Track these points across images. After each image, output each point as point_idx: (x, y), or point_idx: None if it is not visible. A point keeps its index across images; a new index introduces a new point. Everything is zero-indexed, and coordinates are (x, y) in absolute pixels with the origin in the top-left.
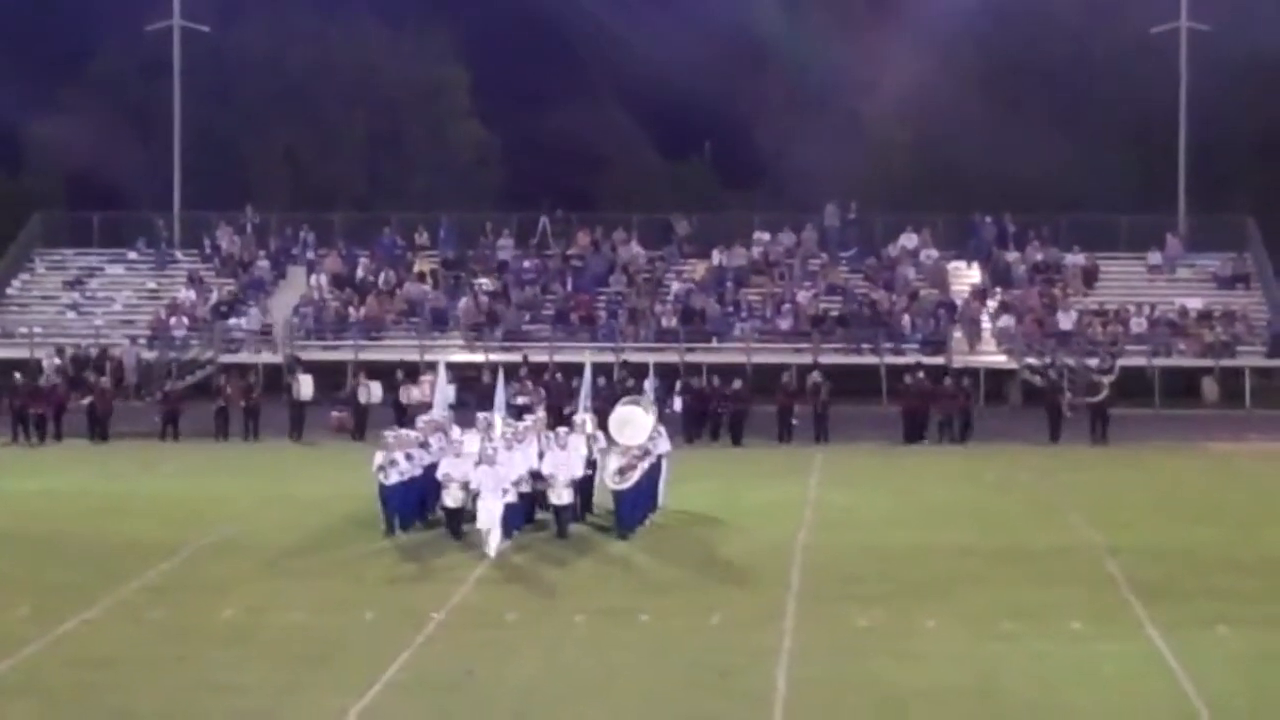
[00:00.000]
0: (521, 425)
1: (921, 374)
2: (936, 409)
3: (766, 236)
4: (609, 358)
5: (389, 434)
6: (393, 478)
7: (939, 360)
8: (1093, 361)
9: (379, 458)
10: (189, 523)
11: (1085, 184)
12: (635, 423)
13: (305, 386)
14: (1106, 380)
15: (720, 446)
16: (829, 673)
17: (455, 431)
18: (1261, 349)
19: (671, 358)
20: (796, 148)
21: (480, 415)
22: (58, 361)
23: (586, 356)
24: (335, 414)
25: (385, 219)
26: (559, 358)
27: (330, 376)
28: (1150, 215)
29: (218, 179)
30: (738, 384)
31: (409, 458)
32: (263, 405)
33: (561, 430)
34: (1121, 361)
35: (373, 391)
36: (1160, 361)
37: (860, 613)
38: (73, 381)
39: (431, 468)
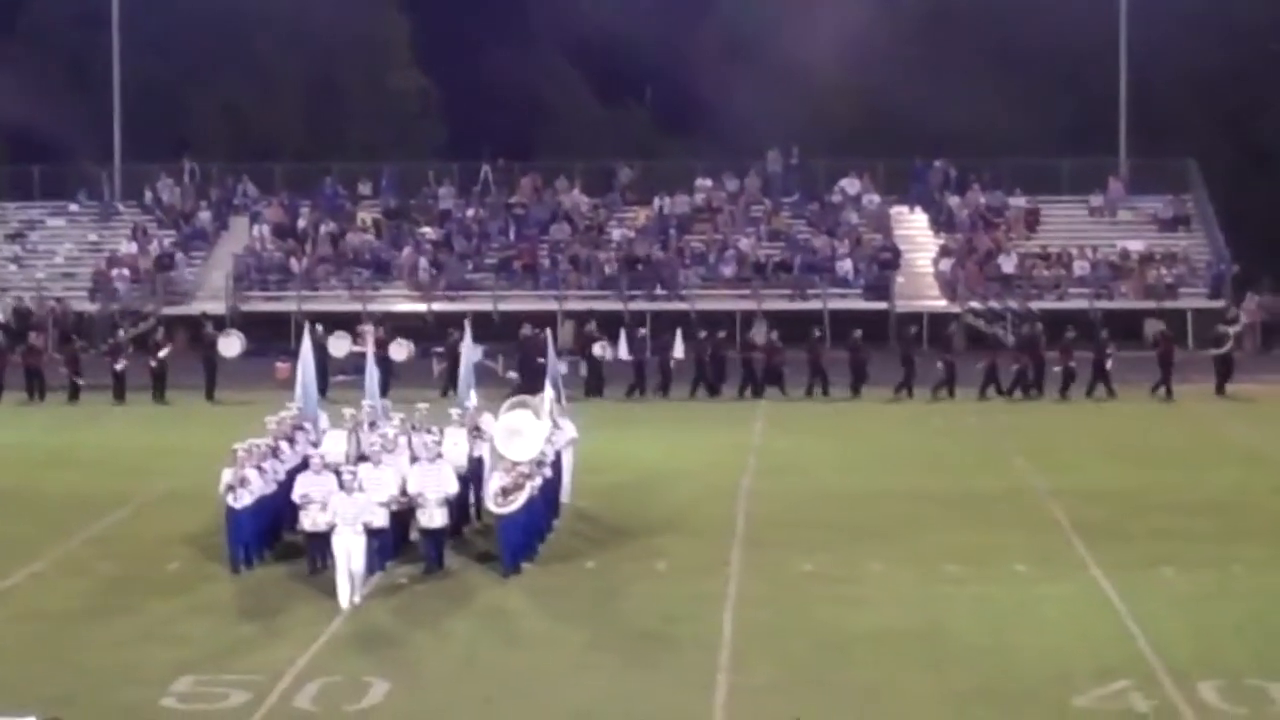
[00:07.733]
0: (391, 430)
1: (1003, 329)
2: (1005, 361)
3: (708, 183)
4: (552, 305)
5: (239, 446)
6: (244, 499)
7: (881, 305)
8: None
9: (227, 475)
10: (135, 476)
11: (1026, 128)
12: (526, 434)
13: (233, 345)
14: (1232, 330)
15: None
16: (774, 617)
17: (324, 423)
18: (1203, 290)
19: (615, 305)
20: (737, 94)
21: (348, 413)
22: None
23: (466, 317)
24: (280, 364)
25: (326, 169)
26: (502, 306)
27: (274, 327)
28: (1091, 158)
29: (158, 130)
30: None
31: (261, 471)
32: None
33: (430, 439)
34: (1063, 305)
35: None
36: (1103, 304)
37: (805, 557)
38: (13, 336)
39: (288, 480)
